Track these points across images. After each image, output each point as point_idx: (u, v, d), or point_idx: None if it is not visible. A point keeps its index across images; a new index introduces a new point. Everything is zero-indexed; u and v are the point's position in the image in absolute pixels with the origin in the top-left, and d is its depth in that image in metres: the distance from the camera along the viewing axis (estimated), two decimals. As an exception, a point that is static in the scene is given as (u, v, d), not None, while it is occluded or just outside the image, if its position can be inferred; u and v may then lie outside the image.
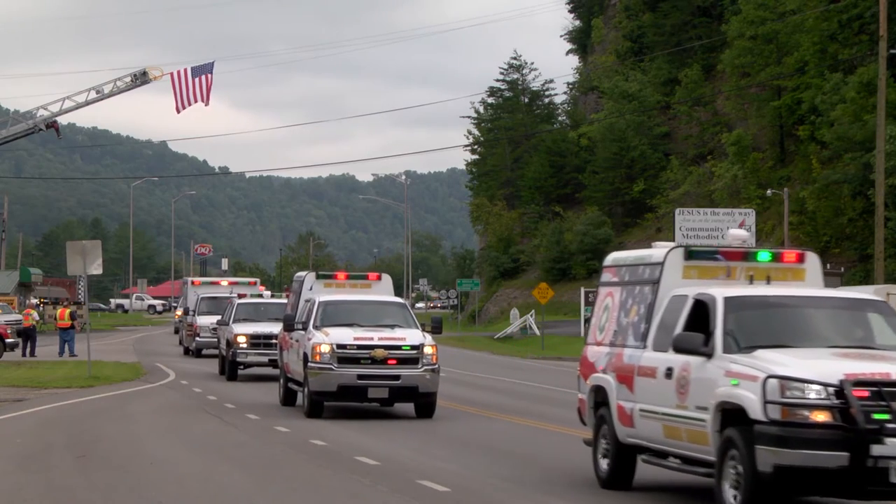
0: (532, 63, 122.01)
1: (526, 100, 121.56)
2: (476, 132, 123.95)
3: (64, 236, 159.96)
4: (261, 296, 53.65)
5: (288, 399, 30.70)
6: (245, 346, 40.15)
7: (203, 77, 73.66)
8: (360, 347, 27.38)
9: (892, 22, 58.74)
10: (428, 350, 27.64)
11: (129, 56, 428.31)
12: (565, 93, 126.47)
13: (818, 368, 13.97)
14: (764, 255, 16.90)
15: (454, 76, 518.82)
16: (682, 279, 16.68)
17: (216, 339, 47.16)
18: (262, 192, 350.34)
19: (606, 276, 18.50)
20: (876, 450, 13.55)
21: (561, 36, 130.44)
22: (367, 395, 27.61)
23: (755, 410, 13.95)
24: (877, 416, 13.61)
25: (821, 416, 13.65)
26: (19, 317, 61.53)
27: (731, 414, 14.43)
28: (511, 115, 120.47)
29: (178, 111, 74.21)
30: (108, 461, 20.30)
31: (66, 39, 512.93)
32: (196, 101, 73.92)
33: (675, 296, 16.35)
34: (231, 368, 40.56)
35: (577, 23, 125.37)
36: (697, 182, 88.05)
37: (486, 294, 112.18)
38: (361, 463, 19.94)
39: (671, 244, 17.49)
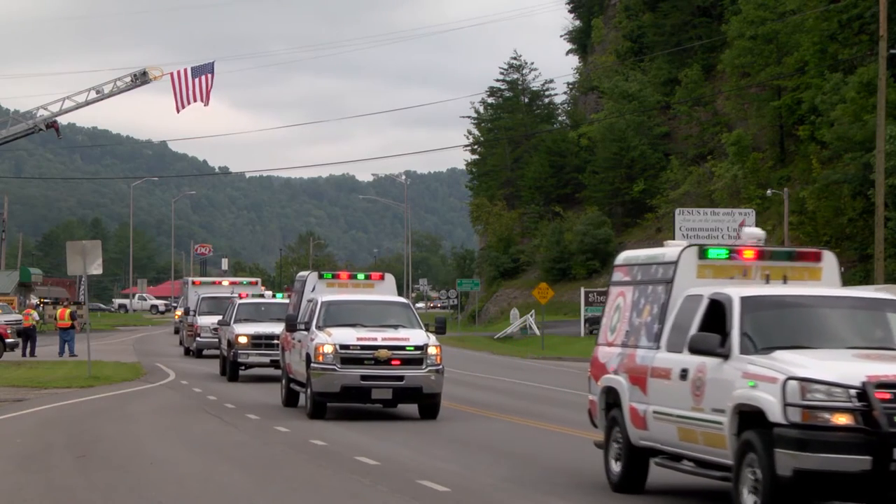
0: (532, 63, 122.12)
1: (526, 100, 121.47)
2: (476, 132, 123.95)
3: (64, 236, 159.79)
4: (262, 296, 53.33)
5: (290, 400, 30.43)
6: (246, 346, 39.86)
7: (203, 77, 73.54)
8: (363, 348, 27.12)
9: (892, 22, 58.57)
10: (432, 350, 27.37)
11: (129, 56, 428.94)
12: (565, 93, 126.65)
13: (840, 370, 13.66)
14: (780, 254, 16.58)
15: (454, 76, 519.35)
16: (697, 278, 16.35)
17: (217, 340, 46.96)
18: (262, 192, 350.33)
19: (618, 276, 18.12)
20: (899, 454, 13.23)
21: (561, 36, 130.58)
22: (370, 397, 27.37)
23: (775, 413, 13.62)
24: (900, 420, 13.29)
25: (842, 419, 13.33)
26: (19, 317, 61.43)
27: (749, 416, 14.10)
28: (511, 115, 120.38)
29: (178, 111, 74.23)
30: (108, 461, 20.26)
31: (66, 39, 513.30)
32: (196, 101, 73.82)
33: (690, 295, 16.02)
34: (232, 369, 40.32)
35: (577, 23, 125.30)
36: (697, 182, 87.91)
37: (486, 294, 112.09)
38: (361, 463, 19.87)
39: (684, 243, 17.13)
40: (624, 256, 18.42)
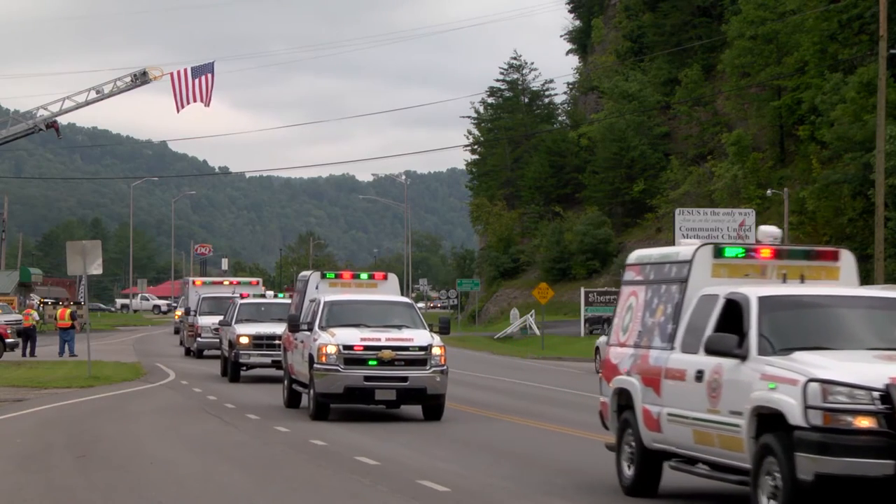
0: (532, 63, 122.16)
1: (526, 100, 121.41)
2: (476, 132, 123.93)
3: (64, 236, 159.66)
4: (264, 296, 53.06)
5: (292, 401, 30.15)
6: (248, 346, 39.58)
7: (203, 77, 73.43)
8: (366, 348, 26.90)
9: (892, 22, 58.43)
10: (436, 351, 27.13)
11: (129, 56, 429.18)
12: (565, 93, 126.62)
13: (862, 372, 13.33)
14: (797, 253, 16.26)
15: (454, 76, 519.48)
16: (712, 278, 16.01)
17: (218, 340, 46.73)
18: (262, 192, 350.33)
19: (630, 275, 17.75)
20: (923, 459, 12.90)
21: (561, 36, 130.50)
22: (374, 397, 27.11)
23: (795, 416, 13.29)
24: (924, 423, 12.98)
25: (865, 422, 13.01)
26: (19, 317, 61.35)
27: (767, 419, 13.77)
28: (511, 115, 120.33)
29: (178, 111, 74.17)
30: (108, 461, 20.24)
31: (66, 39, 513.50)
32: (196, 101, 73.69)
33: (705, 295, 15.69)
34: (233, 369, 40.07)
35: (577, 23, 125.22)
36: (697, 182, 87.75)
37: (486, 294, 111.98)
38: (361, 463, 19.83)
39: (698, 242, 16.78)
40: (636, 255, 18.03)
